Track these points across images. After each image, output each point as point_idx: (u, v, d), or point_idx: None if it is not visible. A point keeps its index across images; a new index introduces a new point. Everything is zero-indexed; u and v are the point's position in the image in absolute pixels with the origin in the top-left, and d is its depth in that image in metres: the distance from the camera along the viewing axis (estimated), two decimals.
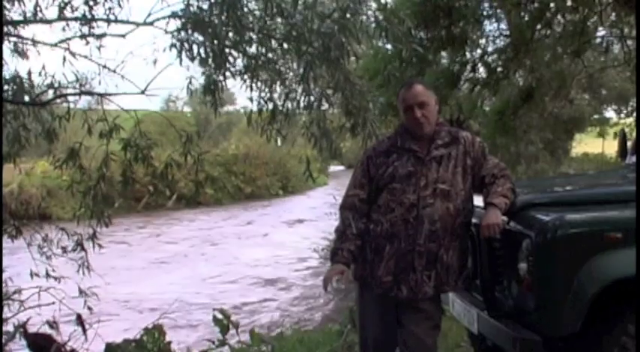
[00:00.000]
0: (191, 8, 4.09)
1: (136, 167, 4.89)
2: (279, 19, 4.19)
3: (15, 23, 4.65)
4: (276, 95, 4.52)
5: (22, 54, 5.01)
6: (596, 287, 2.70)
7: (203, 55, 4.04)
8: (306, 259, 13.58)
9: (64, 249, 5.16)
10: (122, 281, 10.81)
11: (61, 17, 4.50)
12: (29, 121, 4.94)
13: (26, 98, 4.77)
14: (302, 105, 4.43)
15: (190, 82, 4.38)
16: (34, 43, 4.86)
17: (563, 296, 2.70)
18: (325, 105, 4.63)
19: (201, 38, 4.07)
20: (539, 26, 7.72)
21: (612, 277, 2.71)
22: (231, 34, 4.12)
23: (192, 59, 4.08)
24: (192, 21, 4.02)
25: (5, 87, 4.55)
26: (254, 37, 4.21)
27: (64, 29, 4.70)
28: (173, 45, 4.08)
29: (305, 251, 14.17)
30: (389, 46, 7.19)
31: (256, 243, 15.91)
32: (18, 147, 4.92)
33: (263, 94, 4.44)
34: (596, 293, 2.70)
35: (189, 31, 4.06)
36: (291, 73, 4.58)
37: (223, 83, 4.33)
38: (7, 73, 4.71)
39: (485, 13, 7.94)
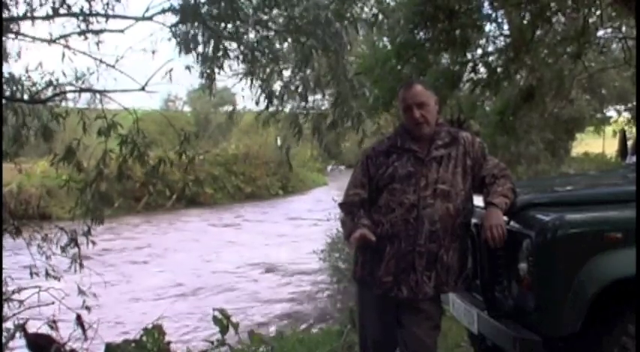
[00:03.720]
0: (189, 1, 4.08)
1: (132, 164, 4.87)
2: (276, 11, 4.18)
3: (11, 20, 4.63)
4: (273, 85, 4.51)
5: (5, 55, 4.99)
6: (596, 287, 2.69)
7: (200, 48, 4.04)
8: None
9: (63, 249, 5.13)
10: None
11: (58, 13, 4.49)
12: (29, 120, 4.92)
13: (25, 96, 4.76)
14: (298, 98, 4.43)
15: (188, 73, 4.37)
16: (27, 38, 4.84)
17: (564, 296, 2.70)
18: (324, 105, 4.63)
19: (199, 31, 4.06)
20: (539, 26, 7.71)
21: (612, 277, 2.71)
22: (229, 26, 4.11)
23: (189, 51, 4.07)
24: (190, 13, 4.01)
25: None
26: (251, 28, 4.20)
27: (64, 26, 4.70)
28: (173, 35, 4.08)
29: None
30: (388, 45, 7.19)
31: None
32: (17, 146, 4.90)
33: (261, 85, 4.43)
34: (596, 293, 2.69)
35: (187, 24, 4.05)
36: (289, 65, 4.57)
37: (220, 70, 4.32)
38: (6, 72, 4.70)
39: (485, 13, 7.93)
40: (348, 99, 4.39)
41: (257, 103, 4.49)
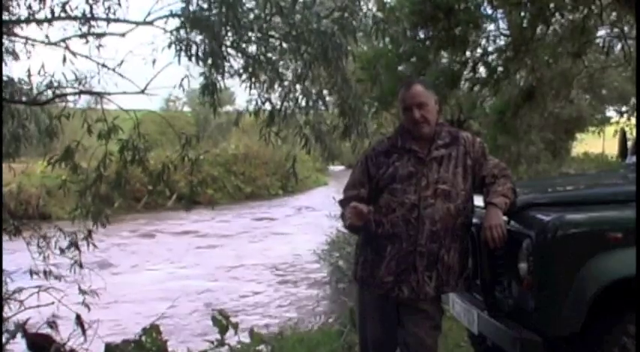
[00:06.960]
0: (190, 7, 4.08)
1: (133, 168, 4.85)
2: (278, 19, 4.18)
3: (13, 23, 4.63)
4: (274, 96, 4.51)
5: (14, 54, 4.98)
6: (597, 287, 2.69)
7: (201, 55, 4.02)
8: None
9: (62, 250, 5.10)
10: None
11: (60, 16, 4.48)
12: (27, 121, 4.91)
13: (23, 98, 4.75)
14: (300, 105, 4.42)
15: (187, 80, 4.35)
16: (29, 41, 4.84)
17: (564, 296, 2.70)
18: (322, 108, 4.62)
19: (199, 37, 4.06)
20: (539, 25, 7.70)
21: (612, 277, 2.71)
22: (230, 33, 4.11)
23: (190, 58, 4.06)
24: (191, 20, 4.01)
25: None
26: (253, 36, 4.19)
27: (64, 29, 4.70)
28: (172, 43, 4.07)
29: None
30: (389, 46, 7.18)
31: None
32: (15, 147, 4.89)
33: (262, 94, 4.42)
34: (596, 293, 2.69)
35: (188, 30, 4.04)
36: (290, 74, 4.57)
37: (221, 83, 4.30)
38: (6, 74, 4.70)
39: (485, 12, 7.92)
40: (356, 109, 4.40)
41: (256, 114, 4.48)
